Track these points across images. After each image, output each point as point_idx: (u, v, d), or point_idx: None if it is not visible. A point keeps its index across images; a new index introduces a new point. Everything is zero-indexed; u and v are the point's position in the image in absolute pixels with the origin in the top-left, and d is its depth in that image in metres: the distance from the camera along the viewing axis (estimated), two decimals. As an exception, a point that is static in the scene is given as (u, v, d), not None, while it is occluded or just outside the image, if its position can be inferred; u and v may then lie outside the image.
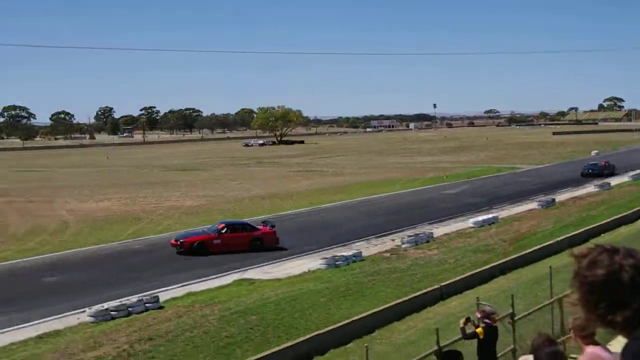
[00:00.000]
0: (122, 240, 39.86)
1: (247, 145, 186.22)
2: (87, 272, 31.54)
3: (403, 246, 34.95)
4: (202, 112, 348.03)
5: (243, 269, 30.80)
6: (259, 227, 35.51)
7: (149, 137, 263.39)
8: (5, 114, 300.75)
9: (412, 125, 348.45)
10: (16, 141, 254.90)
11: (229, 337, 20.36)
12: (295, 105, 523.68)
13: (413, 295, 23.89)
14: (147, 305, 24.27)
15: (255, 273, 30.02)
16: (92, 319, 23.00)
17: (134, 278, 29.64)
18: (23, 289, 28.36)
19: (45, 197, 64.24)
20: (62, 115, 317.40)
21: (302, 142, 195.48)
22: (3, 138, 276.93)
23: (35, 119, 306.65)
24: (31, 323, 23.08)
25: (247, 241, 34.24)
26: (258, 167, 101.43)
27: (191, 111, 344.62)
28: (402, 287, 26.27)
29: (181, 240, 34.00)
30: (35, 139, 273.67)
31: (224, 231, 34.28)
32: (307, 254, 33.99)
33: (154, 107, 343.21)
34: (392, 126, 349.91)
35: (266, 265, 31.63)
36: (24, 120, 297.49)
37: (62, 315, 23.90)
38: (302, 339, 19.15)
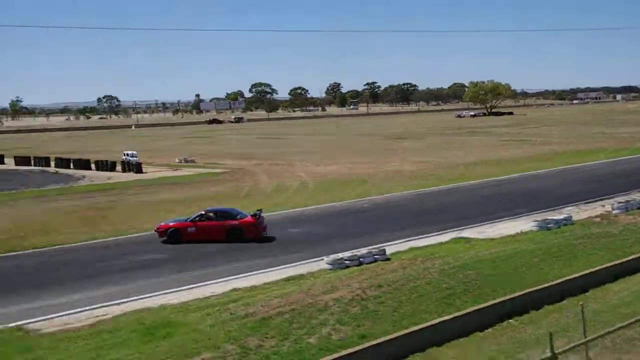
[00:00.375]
0: (350, 200, 40.75)
1: (459, 116, 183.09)
2: (323, 225, 32.59)
3: (613, 212, 32.70)
4: (417, 86, 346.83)
5: (459, 228, 30.36)
6: (246, 215, 29.21)
7: (371, 109, 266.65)
8: (254, 89, 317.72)
9: (618, 96, 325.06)
10: (262, 113, 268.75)
11: (448, 289, 20.16)
12: (503, 78, 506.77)
13: (627, 258, 22.30)
14: (375, 256, 24.63)
15: (471, 232, 29.46)
16: (329, 266, 23.73)
17: (362, 232, 30.21)
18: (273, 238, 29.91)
19: (287, 161, 67.16)
20: (299, 91, 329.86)
21: (510, 113, 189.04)
22: (252, 110, 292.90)
23: (277, 94, 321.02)
24: (281, 267, 24.29)
25: (222, 231, 28.38)
26: (470, 136, 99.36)
27: (408, 86, 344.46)
28: (614, 250, 24.60)
29: (157, 227, 29.55)
30: (277, 111, 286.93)
31: (198, 219, 28.93)
32: (519, 217, 32.84)
33: (376, 83, 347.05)
34: (599, 98, 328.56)
35: (481, 225, 30.96)
36: (268, 95, 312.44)
37: (304, 262, 24.90)
38: (518, 293, 18.54)
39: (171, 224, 29.19)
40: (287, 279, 22.24)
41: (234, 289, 21.00)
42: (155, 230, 29.47)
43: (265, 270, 23.79)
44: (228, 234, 28.29)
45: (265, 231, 29.30)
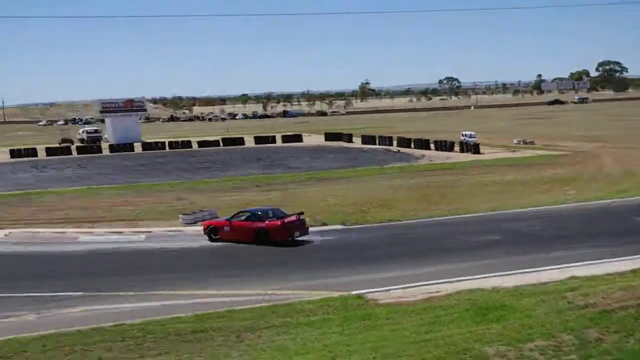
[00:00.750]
0: None
1: None
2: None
3: None
4: None
5: None
6: (282, 216, 27.52)
7: None
8: (600, 68, 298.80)
9: None
10: (609, 93, 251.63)
11: None
12: None
13: None
14: None
15: None
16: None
17: None
18: (612, 227, 27.82)
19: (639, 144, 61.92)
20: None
21: None
22: (597, 90, 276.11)
23: (627, 72, 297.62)
24: (630, 257, 22.38)
25: (251, 232, 27.22)
26: None
27: None
28: None
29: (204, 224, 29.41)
30: (627, 90, 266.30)
31: (233, 219, 28.08)
32: None
33: None
34: None
35: None
36: (617, 74, 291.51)
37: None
38: None
39: (214, 221, 29.21)
40: (635, 271, 20.43)
41: (572, 277, 19.92)
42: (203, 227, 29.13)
43: (609, 260, 22.12)
44: (256, 235, 27.21)
45: (294, 236, 27.15)
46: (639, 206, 31.96)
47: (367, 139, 77.68)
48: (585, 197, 35.14)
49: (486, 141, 69.25)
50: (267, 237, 26.79)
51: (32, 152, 75.13)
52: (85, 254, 26.10)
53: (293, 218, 27.40)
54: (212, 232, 28.13)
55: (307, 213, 29.27)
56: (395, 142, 72.73)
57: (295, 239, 26.93)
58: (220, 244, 27.31)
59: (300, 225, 27.42)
